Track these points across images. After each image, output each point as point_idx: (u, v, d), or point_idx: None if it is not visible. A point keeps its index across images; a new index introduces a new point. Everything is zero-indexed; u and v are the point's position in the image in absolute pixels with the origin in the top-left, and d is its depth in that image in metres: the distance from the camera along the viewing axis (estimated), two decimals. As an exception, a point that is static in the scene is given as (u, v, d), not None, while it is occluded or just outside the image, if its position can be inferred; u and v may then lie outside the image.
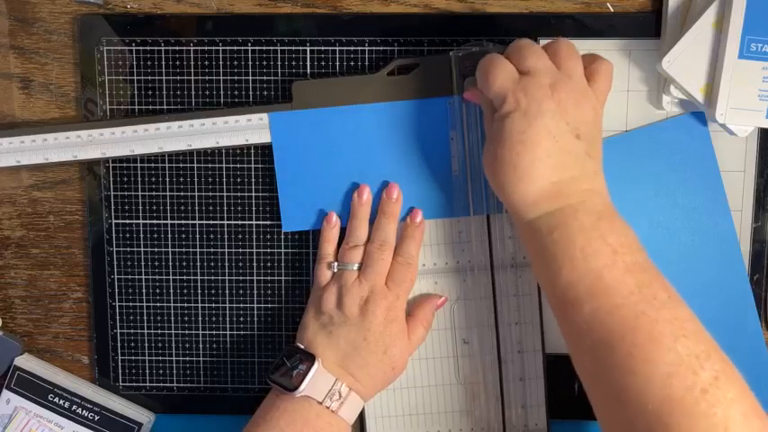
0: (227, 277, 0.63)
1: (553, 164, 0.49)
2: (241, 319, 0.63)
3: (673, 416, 0.44)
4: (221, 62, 0.61)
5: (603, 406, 0.48)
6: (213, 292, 0.63)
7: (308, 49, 0.61)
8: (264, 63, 0.61)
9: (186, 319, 0.63)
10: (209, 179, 0.62)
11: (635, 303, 0.47)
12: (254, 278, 0.63)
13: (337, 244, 0.60)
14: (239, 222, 0.62)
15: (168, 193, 0.62)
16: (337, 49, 0.61)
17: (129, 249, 0.63)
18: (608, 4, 0.60)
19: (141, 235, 0.63)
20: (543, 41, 0.60)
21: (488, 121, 0.54)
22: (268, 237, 0.62)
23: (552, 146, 0.49)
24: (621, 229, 0.50)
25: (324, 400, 0.56)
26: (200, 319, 0.63)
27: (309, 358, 0.56)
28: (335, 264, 0.59)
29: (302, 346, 0.58)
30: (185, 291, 0.63)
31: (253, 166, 0.62)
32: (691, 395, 0.44)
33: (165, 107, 0.62)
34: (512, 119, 0.50)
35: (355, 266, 0.58)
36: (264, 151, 0.61)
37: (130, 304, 0.63)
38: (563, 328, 0.51)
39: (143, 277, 0.63)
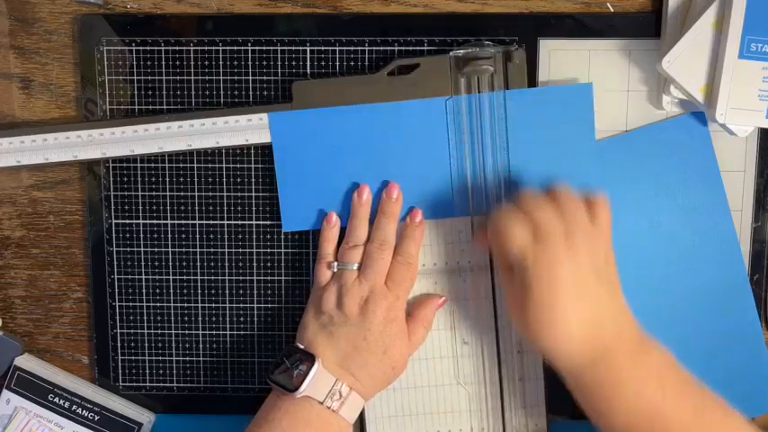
0: (227, 277, 0.63)
1: (582, 314, 0.51)
2: (241, 319, 0.63)
3: None
4: (221, 62, 0.61)
5: None
6: (213, 292, 0.63)
7: (307, 49, 0.61)
8: (264, 63, 0.61)
9: (186, 319, 0.63)
10: (209, 179, 0.62)
11: (697, 429, 0.49)
12: (254, 278, 0.63)
13: (337, 244, 0.60)
14: (239, 222, 0.62)
15: (168, 193, 0.62)
16: (337, 49, 0.61)
17: (129, 249, 0.63)
18: (608, 4, 0.60)
19: (141, 235, 0.63)
20: (543, 42, 0.60)
21: (506, 272, 0.55)
22: (268, 237, 0.62)
23: (578, 297, 0.51)
24: (658, 352, 0.52)
25: (324, 400, 0.56)
26: (200, 319, 0.63)
27: (309, 358, 0.56)
28: (335, 263, 0.59)
29: (302, 346, 0.58)
30: (185, 291, 0.63)
31: (253, 166, 0.62)
32: None
33: (165, 107, 0.62)
34: (535, 275, 0.51)
35: (355, 266, 0.58)
36: (264, 151, 0.61)
37: (130, 304, 0.63)
38: None
39: (143, 277, 0.63)
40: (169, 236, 0.63)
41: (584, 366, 0.51)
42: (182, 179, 0.62)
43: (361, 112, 0.60)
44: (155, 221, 0.63)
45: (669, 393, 0.50)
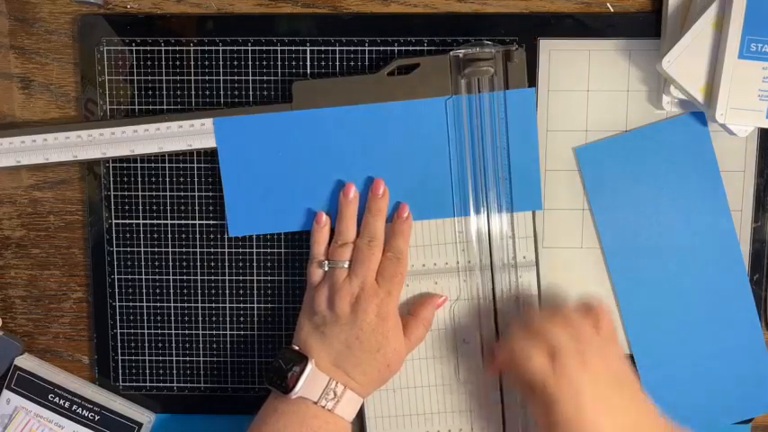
0: (227, 277, 0.63)
1: (611, 421, 0.52)
2: (241, 319, 0.63)
3: None
4: (221, 62, 0.61)
5: None
6: (213, 292, 0.63)
7: (307, 49, 0.61)
8: (264, 63, 0.61)
9: (186, 319, 0.63)
10: (209, 179, 0.62)
11: None
12: (254, 278, 0.63)
13: (328, 244, 0.60)
14: (239, 222, 0.62)
15: (168, 193, 0.62)
16: (337, 49, 0.61)
17: (129, 249, 0.63)
18: (608, 4, 0.60)
19: (141, 235, 0.63)
20: (543, 42, 0.60)
21: (531, 400, 0.55)
22: (268, 237, 0.62)
23: (603, 405, 0.53)
24: None
25: (319, 400, 0.56)
26: (200, 319, 0.63)
27: (303, 359, 0.56)
28: (326, 262, 0.59)
29: (297, 348, 0.58)
30: (185, 291, 0.63)
31: (253, 166, 0.62)
32: None
33: (164, 107, 0.62)
34: (558, 394, 0.53)
35: (345, 264, 0.59)
36: (264, 151, 0.62)
37: (130, 304, 0.63)
38: None
39: (143, 277, 0.63)
40: (169, 236, 0.63)
41: None
42: (182, 179, 0.62)
43: (361, 112, 0.60)
44: (155, 221, 0.63)
45: None
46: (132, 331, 0.64)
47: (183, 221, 0.62)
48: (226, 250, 0.63)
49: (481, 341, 0.61)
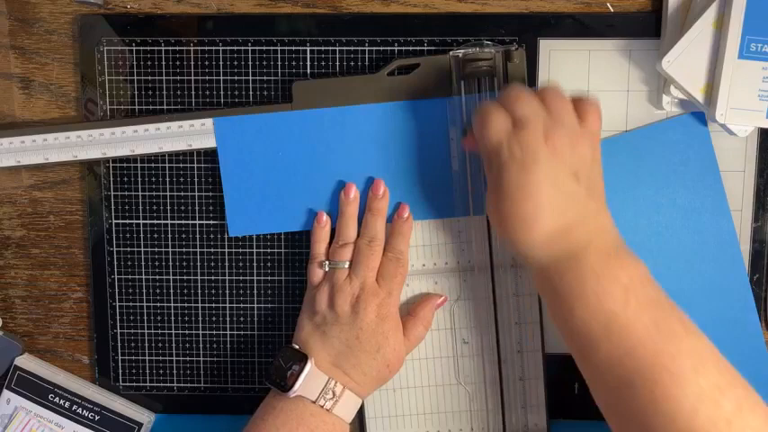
0: (227, 277, 0.63)
1: (555, 209, 0.50)
2: (241, 319, 0.63)
3: None
4: (221, 62, 0.61)
5: None
6: (213, 292, 0.63)
7: (307, 49, 0.61)
8: (264, 63, 0.61)
9: (186, 319, 0.63)
10: (209, 179, 0.62)
11: (652, 341, 0.47)
12: (254, 278, 0.63)
13: (329, 244, 0.60)
14: (239, 222, 0.62)
15: (168, 193, 0.62)
16: (337, 49, 0.61)
17: (129, 249, 0.63)
18: (608, 4, 0.60)
19: (141, 235, 0.63)
20: (543, 42, 0.60)
21: (487, 168, 0.54)
22: (268, 236, 0.62)
23: (552, 192, 0.50)
24: (631, 263, 0.50)
25: (318, 400, 0.56)
26: (200, 319, 0.63)
27: (303, 358, 0.57)
28: (327, 262, 0.59)
29: (297, 347, 0.58)
30: (185, 291, 0.63)
31: (253, 166, 0.62)
32: (716, 428, 0.44)
33: (165, 107, 0.62)
34: (509, 170, 0.50)
35: (346, 264, 0.59)
36: (264, 151, 0.61)
37: (130, 304, 0.63)
38: (583, 369, 0.51)
39: (143, 277, 0.63)
40: (169, 236, 0.63)
41: (552, 264, 0.50)
42: (182, 179, 0.62)
43: (362, 112, 0.60)
44: (155, 221, 0.63)
45: (632, 303, 0.48)
46: (132, 331, 0.64)
47: (183, 221, 0.62)
48: (226, 250, 0.63)
49: (481, 341, 0.61)
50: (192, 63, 0.61)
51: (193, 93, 0.61)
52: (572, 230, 0.50)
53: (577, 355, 0.51)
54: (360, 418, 0.62)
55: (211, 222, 0.62)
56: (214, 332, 0.63)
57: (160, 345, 0.64)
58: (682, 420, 0.45)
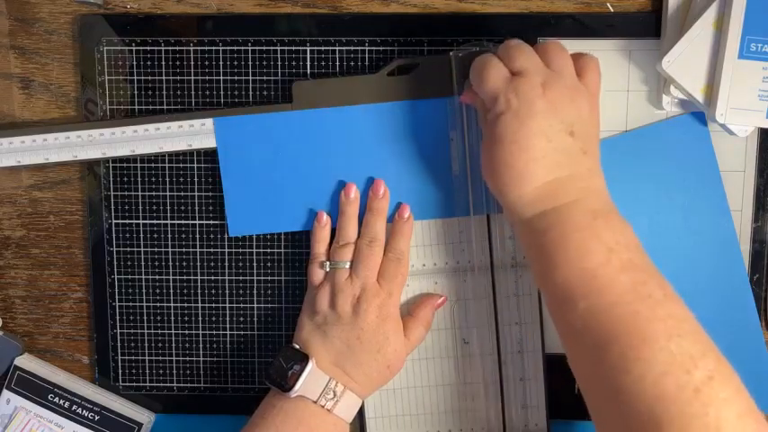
0: (227, 277, 0.63)
1: (548, 163, 0.49)
2: (241, 319, 0.63)
3: (665, 415, 0.44)
4: (221, 62, 0.61)
5: (598, 406, 0.48)
6: (213, 292, 0.63)
7: (308, 49, 0.61)
8: (264, 63, 0.61)
9: (186, 319, 0.63)
10: (209, 179, 0.62)
11: (629, 302, 0.47)
12: (254, 278, 0.63)
13: (329, 244, 0.60)
14: (239, 222, 0.62)
15: (168, 193, 0.62)
16: (337, 49, 0.61)
17: (129, 249, 0.63)
18: (608, 4, 0.60)
19: (141, 235, 0.63)
20: (543, 41, 0.60)
21: (483, 121, 0.54)
22: (268, 236, 0.62)
23: (546, 145, 0.49)
24: (618, 226, 0.50)
25: (318, 400, 0.56)
26: (200, 319, 0.63)
27: (304, 358, 0.56)
28: (327, 263, 0.59)
29: (297, 347, 0.58)
30: (185, 291, 0.63)
31: (253, 166, 0.62)
32: (683, 394, 0.44)
33: (165, 107, 0.62)
34: (504, 120, 0.50)
35: (347, 264, 0.59)
36: (264, 151, 0.61)
37: (130, 304, 0.63)
38: (559, 328, 0.51)
39: (143, 277, 0.63)
40: (169, 236, 0.63)
41: (538, 219, 0.50)
42: (182, 179, 0.62)
43: (361, 112, 0.60)
44: (155, 221, 0.63)
45: (614, 262, 0.47)
46: (132, 331, 0.64)
47: (183, 221, 0.62)
48: (226, 250, 0.63)
49: (481, 341, 0.61)
50: (192, 63, 0.61)
51: (193, 93, 0.61)
52: (562, 186, 0.50)
53: (556, 313, 0.50)
54: (360, 418, 0.62)
55: (211, 222, 0.62)
56: (214, 332, 0.63)
57: (160, 345, 0.64)
58: (649, 383, 0.44)
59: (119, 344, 0.64)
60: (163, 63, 0.61)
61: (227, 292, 0.63)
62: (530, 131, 0.49)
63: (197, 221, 0.62)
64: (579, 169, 0.50)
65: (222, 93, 0.61)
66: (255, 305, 0.63)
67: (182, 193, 0.62)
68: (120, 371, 0.64)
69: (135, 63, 0.61)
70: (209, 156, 0.62)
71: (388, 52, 0.61)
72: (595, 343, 0.47)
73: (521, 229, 0.52)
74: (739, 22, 0.55)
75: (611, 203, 0.51)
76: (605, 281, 0.47)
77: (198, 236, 0.63)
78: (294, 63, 0.61)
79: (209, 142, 0.60)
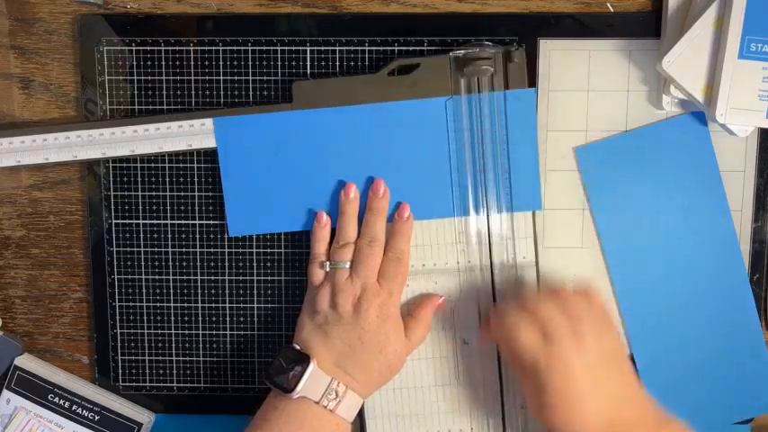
0: (227, 277, 0.63)
1: (597, 398, 0.52)
2: (241, 319, 0.63)
3: None
4: (221, 62, 0.61)
5: None
6: (213, 292, 0.63)
7: (308, 49, 0.61)
8: (264, 63, 0.61)
9: (186, 319, 0.63)
10: (209, 179, 0.62)
11: None
12: (254, 278, 0.63)
13: (329, 244, 0.60)
14: (239, 222, 0.62)
15: (168, 193, 0.62)
16: (337, 49, 0.61)
17: (129, 249, 0.63)
18: (608, 4, 0.60)
19: (141, 235, 0.63)
20: (543, 42, 0.60)
21: (517, 367, 0.55)
22: (268, 236, 0.62)
23: (591, 384, 0.52)
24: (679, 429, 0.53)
25: (321, 400, 0.56)
26: (200, 319, 0.63)
27: (305, 359, 0.56)
28: (327, 263, 0.59)
29: (298, 347, 0.58)
30: (185, 291, 0.63)
31: (253, 166, 0.62)
32: None
33: (165, 107, 0.62)
34: (550, 376, 0.53)
35: (347, 264, 0.59)
36: (264, 151, 0.61)
37: (130, 304, 0.63)
38: None
39: (143, 277, 0.63)
40: (169, 236, 0.63)
41: None
42: (182, 179, 0.62)
43: (361, 112, 0.60)
44: (155, 221, 0.63)
45: None
46: (132, 331, 0.64)
47: (183, 221, 0.62)
48: (226, 250, 0.63)
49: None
50: (192, 63, 0.61)
51: (193, 93, 0.61)
52: (617, 417, 0.52)
53: None
54: (360, 418, 0.62)
55: (211, 222, 0.62)
56: (214, 332, 0.63)
57: (160, 345, 0.64)
58: None
59: (119, 344, 0.64)
60: (163, 63, 0.61)
61: (227, 292, 0.63)
62: (573, 379, 0.53)
63: (197, 221, 0.62)
64: (626, 397, 0.54)
65: (222, 93, 0.61)
66: (255, 305, 0.63)
67: (182, 193, 0.62)
68: (120, 371, 0.64)
69: (135, 63, 0.61)
70: (209, 156, 0.62)
71: (388, 52, 0.61)
72: None
73: None
74: (739, 22, 0.55)
75: (662, 414, 0.54)
76: None
77: (198, 236, 0.63)
78: (294, 63, 0.61)
79: (209, 142, 0.60)
